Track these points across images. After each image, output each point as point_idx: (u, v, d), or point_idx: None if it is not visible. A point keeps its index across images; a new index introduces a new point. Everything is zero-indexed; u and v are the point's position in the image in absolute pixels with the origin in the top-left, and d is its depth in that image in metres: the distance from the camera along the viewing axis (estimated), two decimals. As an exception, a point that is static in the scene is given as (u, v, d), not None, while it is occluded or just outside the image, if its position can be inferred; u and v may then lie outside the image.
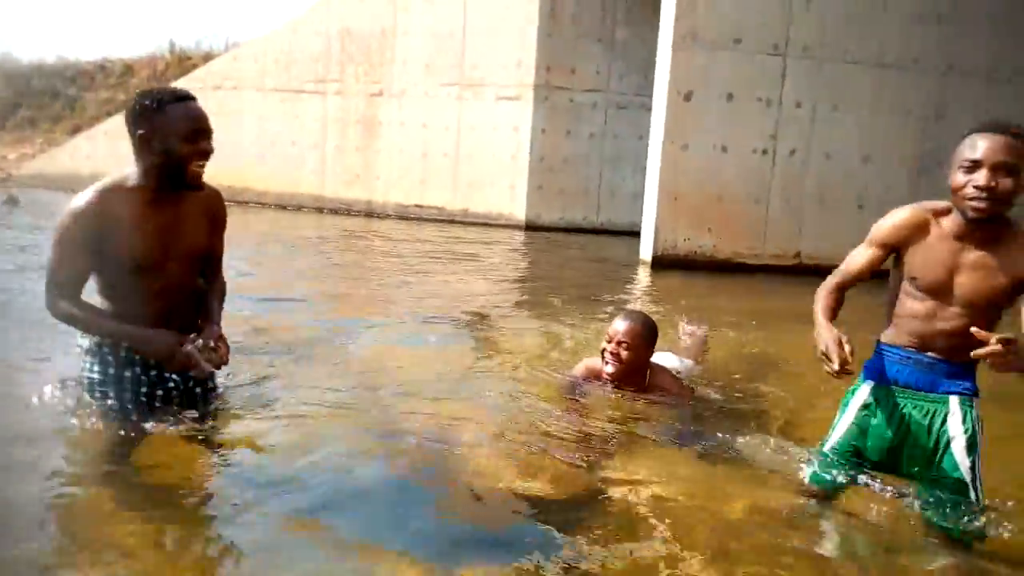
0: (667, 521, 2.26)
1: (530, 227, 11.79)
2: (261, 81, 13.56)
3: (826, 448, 2.46)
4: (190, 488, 2.26)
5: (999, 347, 1.95)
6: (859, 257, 2.37)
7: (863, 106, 8.32)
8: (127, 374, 2.53)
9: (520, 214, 11.95)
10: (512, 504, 2.31)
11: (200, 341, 2.40)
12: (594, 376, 3.36)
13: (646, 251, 8.30)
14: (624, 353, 3.19)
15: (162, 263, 2.43)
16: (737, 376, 3.96)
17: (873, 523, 2.31)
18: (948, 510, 2.27)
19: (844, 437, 2.42)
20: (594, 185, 12.18)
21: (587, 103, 11.94)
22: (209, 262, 2.66)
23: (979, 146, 2.10)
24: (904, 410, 2.32)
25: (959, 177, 2.12)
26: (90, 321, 2.40)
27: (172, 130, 2.30)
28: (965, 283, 2.19)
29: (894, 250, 2.31)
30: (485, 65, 11.98)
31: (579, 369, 3.46)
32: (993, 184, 2.06)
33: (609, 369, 3.22)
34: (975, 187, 2.08)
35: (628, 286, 7.33)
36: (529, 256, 9.44)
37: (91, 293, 2.47)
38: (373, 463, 2.57)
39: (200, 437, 2.51)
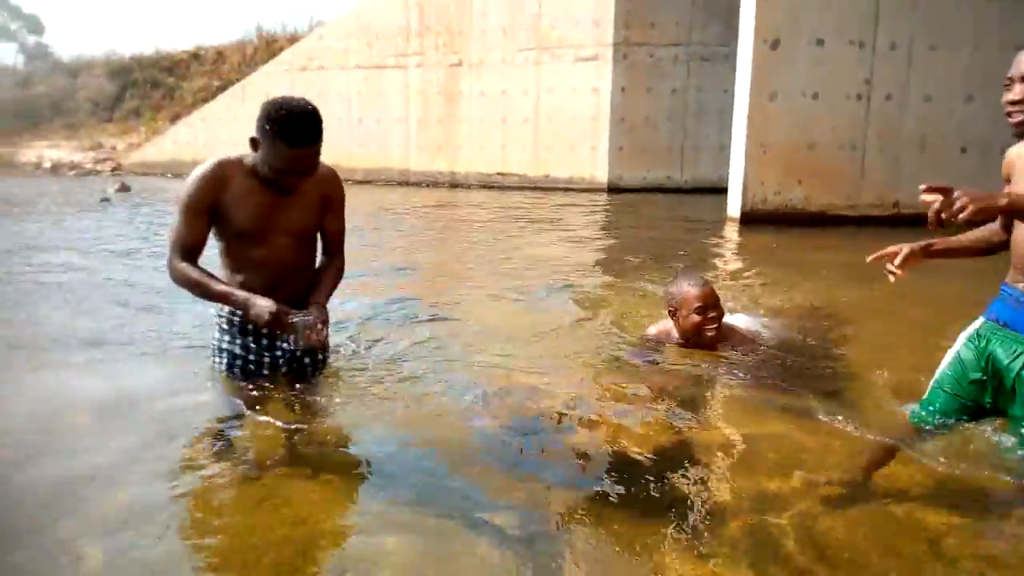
0: (753, 475, 2.30)
1: (612, 189, 11.73)
2: (345, 59, 13.89)
3: (932, 382, 2.43)
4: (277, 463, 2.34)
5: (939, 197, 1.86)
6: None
7: (965, 43, 7.83)
8: (239, 342, 2.71)
9: (602, 176, 11.89)
10: (605, 462, 2.39)
11: (299, 318, 2.49)
12: (662, 339, 3.38)
13: (734, 207, 8.13)
14: (720, 312, 3.19)
15: (264, 235, 2.56)
16: (826, 329, 3.90)
17: (951, 465, 2.28)
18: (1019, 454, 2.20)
19: (947, 370, 2.39)
20: (677, 143, 11.97)
21: (668, 57, 11.68)
22: (324, 240, 2.77)
23: (1014, 62, 2.11)
24: (992, 348, 2.26)
25: (1003, 97, 2.12)
26: (202, 284, 2.52)
27: (271, 161, 2.43)
28: None
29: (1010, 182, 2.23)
30: (562, 26, 11.87)
31: (651, 332, 3.48)
32: (1021, 97, 2.06)
33: (711, 334, 3.18)
34: (1007, 102, 2.09)
35: (717, 245, 7.23)
36: (614, 219, 9.41)
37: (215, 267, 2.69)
38: (467, 427, 2.66)
39: (299, 411, 2.62)
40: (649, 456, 2.40)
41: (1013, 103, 2.07)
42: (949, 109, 7.91)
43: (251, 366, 2.73)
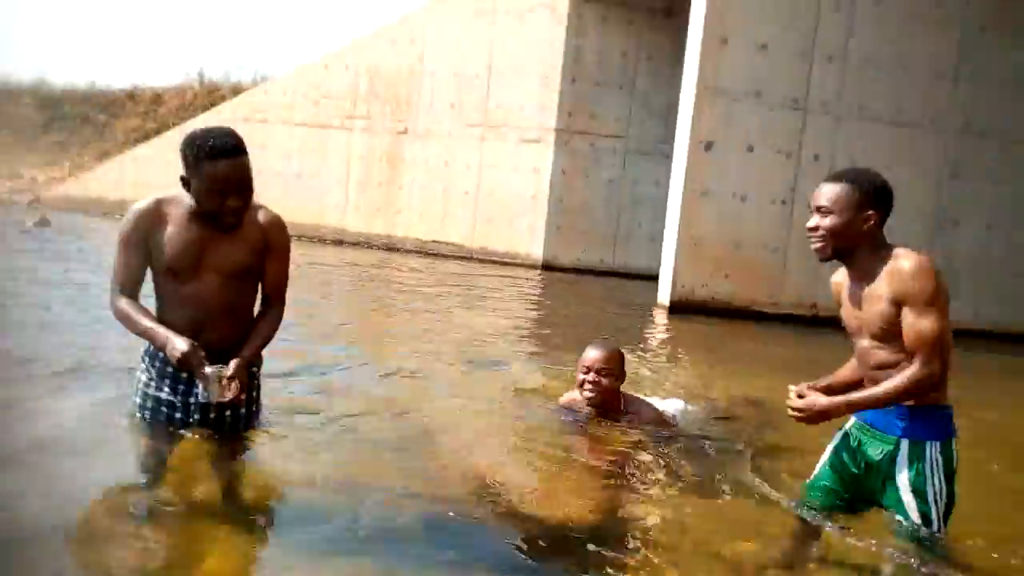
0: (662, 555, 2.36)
1: (547, 267, 11.97)
2: (290, 114, 13.92)
3: (810, 479, 2.63)
4: (198, 506, 2.31)
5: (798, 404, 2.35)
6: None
7: (880, 162, 8.50)
8: (155, 385, 2.67)
9: (538, 253, 12.14)
10: (516, 537, 2.40)
11: (212, 369, 2.44)
12: (573, 407, 3.53)
13: (664, 295, 8.43)
14: (604, 380, 3.35)
15: (193, 271, 2.54)
16: (739, 417, 4.07)
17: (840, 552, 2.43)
18: (905, 544, 2.36)
19: (822, 468, 2.59)
20: (611, 228, 12.38)
21: (607, 148, 12.21)
22: (263, 287, 2.73)
23: (813, 194, 2.44)
24: (864, 447, 2.46)
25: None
26: (130, 318, 2.53)
27: (204, 187, 2.44)
28: (863, 319, 2.40)
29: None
30: (508, 107, 12.29)
31: (562, 400, 3.63)
32: (814, 225, 2.40)
33: (589, 395, 3.36)
34: (806, 229, 2.43)
35: (647, 329, 7.45)
36: (547, 296, 9.59)
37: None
38: (387, 493, 2.61)
39: (217, 455, 2.60)
40: (578, 525, 2.43)
41: (810, 230, 2.41)
42: (863, 221, 8.51)
43: (167, 410, 2.67)
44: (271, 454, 2.76)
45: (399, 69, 13.07)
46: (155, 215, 2.53)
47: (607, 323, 7.65)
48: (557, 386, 4.23)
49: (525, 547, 2.31)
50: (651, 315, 8.20)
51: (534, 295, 9.48)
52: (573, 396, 3.55)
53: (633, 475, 2.99)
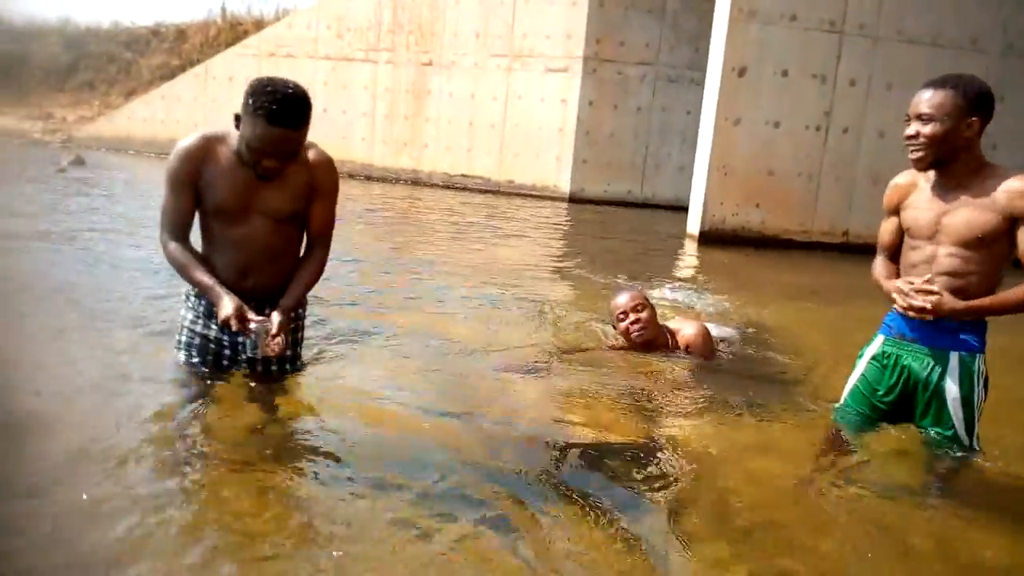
0: (703, 477, 2.47)
1: (574, 199, 11.94)
2: (314, 48, 13.80)
3: (842, 399, 2.70)
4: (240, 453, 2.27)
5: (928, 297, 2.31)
6: (885, 227, 2.62)
7: (918, 84, 8.27)
8: (202, 324, 2.64)
9: (565, 186, 12.09)
10: (555, 457, 2.50)
11: (257, 324, 2.44)
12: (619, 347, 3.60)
13: (694, 225, 8.41)
14: (644, 314, 3.45)
15: (242, 214, 2.49)
16: (773, 342, 4.14)
17: (875, 464, 2.54)
18: (943, 457, 2.48)
19: (855, 386, 2.64)
20: (640, 159, 12.26)
21: (635, 76, 11.98)
22: (308, 229, 2.65)
23: (913, 100, 2.44)
24: (905, 362, 2.50)
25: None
26: (186, 268, 2.50)
27: (250, 139, 2.37)
28: (949, 224, 2.39)
29: (899, 210, 2.56)
30: (535, 36, 12.06)
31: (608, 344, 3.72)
32: (914, 133, 2.38)
33: (638, 333, 3.44)
34: (904, 137, 2.42)
35: (677, 260, 7.48)
36: (575, 229, 9.61)
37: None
38: (431, 426, 2.66)
39: (260, 399, 2.59)
40: (625, 451, 2.55)
41: (908, 138, 2.41)
42: (901, 145, 8.33)
43: (215, 347, 2.66)
44: (316, 389, 2.78)
45: (423, -1, 12.83)
46: (202, 153, 2.47)
47: (637, 254, 7.68)
48: (587, 317, 4.32)
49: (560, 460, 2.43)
50: (681, 245, 8.21)
51: (562, 228, 9.50)
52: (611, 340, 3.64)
53: (671, 400, 3.09)
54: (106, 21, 20.68)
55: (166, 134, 13.93)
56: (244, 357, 2.62)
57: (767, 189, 8.28)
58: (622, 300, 3.51)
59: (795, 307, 5.23)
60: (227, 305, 2.42)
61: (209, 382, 2.63)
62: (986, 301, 2.33)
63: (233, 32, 17.75)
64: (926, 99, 2.39)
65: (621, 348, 3.58)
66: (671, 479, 2.35)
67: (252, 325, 2.43)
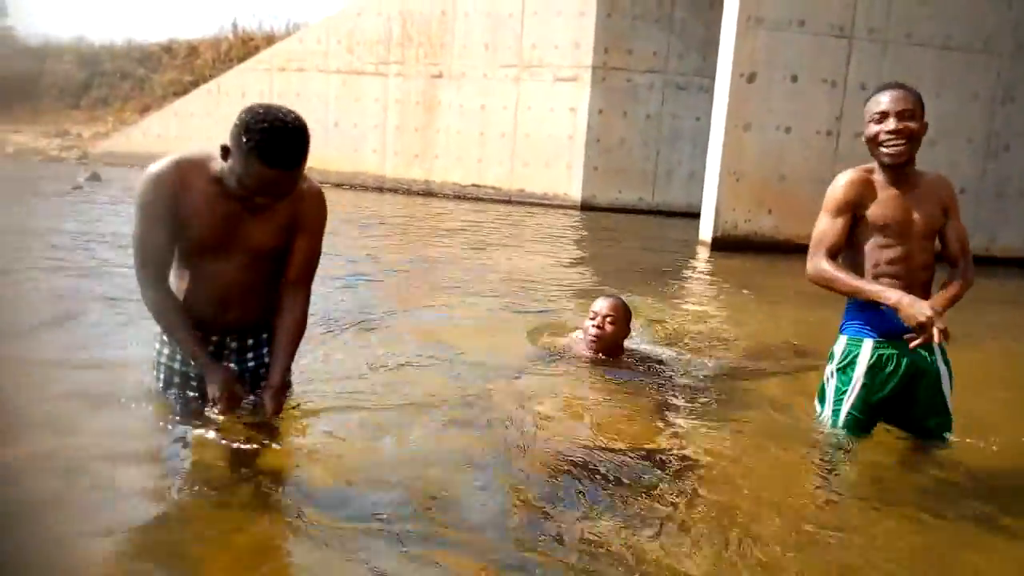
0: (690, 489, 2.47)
1: (585, 207, 11.96)
2: (325, 63, 13.92)
3: (843, 412, 2.66)
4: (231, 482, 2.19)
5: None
6: (834, 227, 2.58)
7: (930, 89, 8.26)
8: (180, 359, 2.44)
9: (576, 194, 12.12)
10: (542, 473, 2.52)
11: (250, 402, 2.34)
12: (574, 349, 3.66)
13: (706, 232, 8.41)
14: (608, 327, 3.50)
15: (222, 250, 2.28)
16: (780, 349, 4.13)
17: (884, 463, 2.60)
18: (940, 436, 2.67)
19: (859, 397, 2.63)
20: (650, 166, 12.27)
21: (644, 83, 12.00)
22: (290, 265, 2.41)
23: (882, 100, 2.51)
24: (908, 358, 2.55)
25: (872, 128, 2.52)
26: (167, 321, 2.29)
27: (242, 176, 2.13)
28: (918, 220, 2.52)
29: (855, 208, 2.57)
30: (543, 46, 12.12)
31: (562, 342, 3.78)
32: (901, 127, 2.46)
33: (592, 339, 3.51)
34: (887, 132, 2.48)
35: (689, 266, 7.47)
36: (588, 236, 9.62)
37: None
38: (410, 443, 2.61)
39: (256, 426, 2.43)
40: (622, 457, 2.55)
41: (893, 133, 2.47)
42: (911, 150, 8.32)
43: (197, 383, 2.42)
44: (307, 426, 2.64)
45: (432, 11, 12.93)
46: (177, 181, 2.20)
47: (648, 262, 7.68)
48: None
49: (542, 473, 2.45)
50: (693, 252, 8.20)
51: (573, 236, 9.52)
52: (576, 339, 3.70)
53: (629, 405, 3.10)
54: (119, 39, 21.02)
55: (181, 149, 14.07)
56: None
57: (779, 195, 8.27)
58: (602, 304, 3.57)
59: (812, 315, 5.21)
60: (216, 385, 2.25)
61: (193, 417, 2.42)
62: (950, 293, 2.51)
63: (244, 48, 17.96)
64: (901, 97, 2.49)
65: (576, 356, 3.61)
66: (671, 491, 2.36)
67: (245, 404, 2.34)
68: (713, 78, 8.58)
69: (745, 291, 5.99)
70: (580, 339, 3.65)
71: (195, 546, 1.90)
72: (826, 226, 2.59)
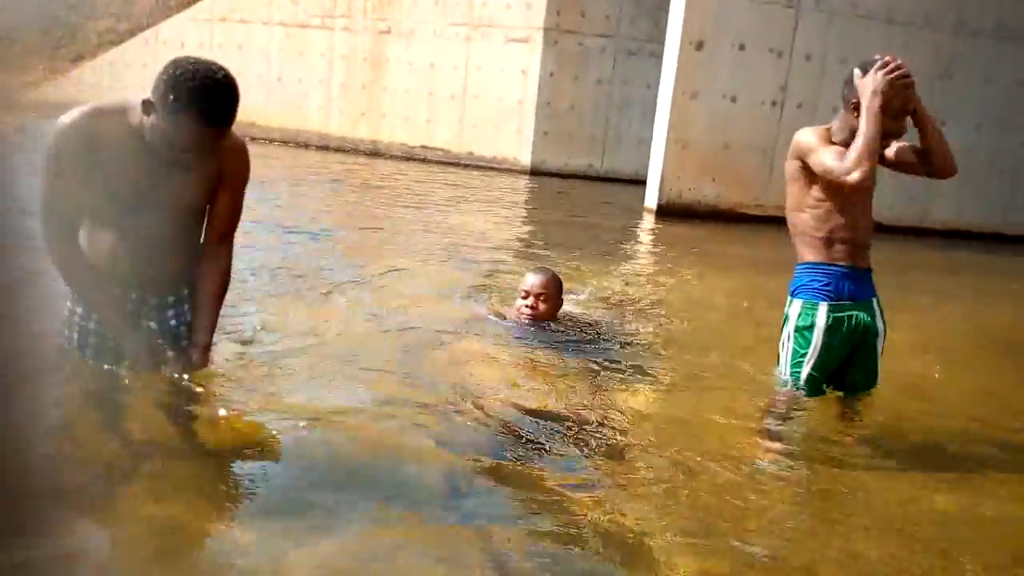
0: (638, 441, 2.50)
1: (535, 172, 11.88)
2: (268, 14, 13.42)
3: (804, 373, 2.75)
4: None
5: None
6: (832, 152, 2.60)
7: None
8: (95, 318, 2.33)
9: (525, 159, 12.02)
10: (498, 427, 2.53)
11: (174, 367, 2.27)
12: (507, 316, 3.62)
13: (651, 199, 8.45)
14: (542, 305, 3.45)
15: (142, 206, 2.19)
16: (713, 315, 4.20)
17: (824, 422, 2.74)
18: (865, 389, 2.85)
19: (819, 358, 2.71)
20: (600, 132, 12.23)
21: (596, 48, 11.90)
22: (210, 222, 2.35)
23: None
24: (858, 320, 2.69)
25: None
26: (79, 281, 2.21)
27: (171, 133, 2.04)
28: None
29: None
30: (495, 5, 11.89)
31: (496, 311, 3.72)
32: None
33: (525, 318, 3.46)
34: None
35: (633, 232, 7.51)
36: (535, 201, 9.58)
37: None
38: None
39: (187, 388, 2.36)
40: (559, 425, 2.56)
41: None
42: (852, 122, 8.46)
43: (107, 348, 2.34)
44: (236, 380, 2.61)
45: (381, -36, 12.55)
46: (89, 132, 2.08)
47: (594, 227, 7.69)
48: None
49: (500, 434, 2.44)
50: (638, 219, 8.24)
51: (521, 200, 9.47)
52: (508, 310, 3.67)
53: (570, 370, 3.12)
54: (50, -18, 19.86)
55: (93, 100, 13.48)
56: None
57: (723, 163, 8.34)
58: (533, 280, 3.51)
59: (742, 277, 5.29)
60: (136, 348, 2.22)
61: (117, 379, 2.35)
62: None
63: (185, -4, 17.17)
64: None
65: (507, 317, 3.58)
66: (624, 457, 2.37)
67: (168, 366, 2.28)
68: (663, 45, 8.55)
69: (687, 257, 6.06)
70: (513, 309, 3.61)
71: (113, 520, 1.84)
72: (830, 153, 2.60)
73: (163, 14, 15.94)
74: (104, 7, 18.50)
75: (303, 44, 13.29)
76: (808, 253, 2.70)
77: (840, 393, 2.84)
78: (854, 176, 2.48)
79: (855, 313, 2.68)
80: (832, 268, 2.65)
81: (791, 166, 2.70)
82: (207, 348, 2.35)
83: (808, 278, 2.70)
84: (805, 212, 2.67)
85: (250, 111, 14.15)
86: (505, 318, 3.62)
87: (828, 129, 2.67)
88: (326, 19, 13.08)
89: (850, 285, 2.64)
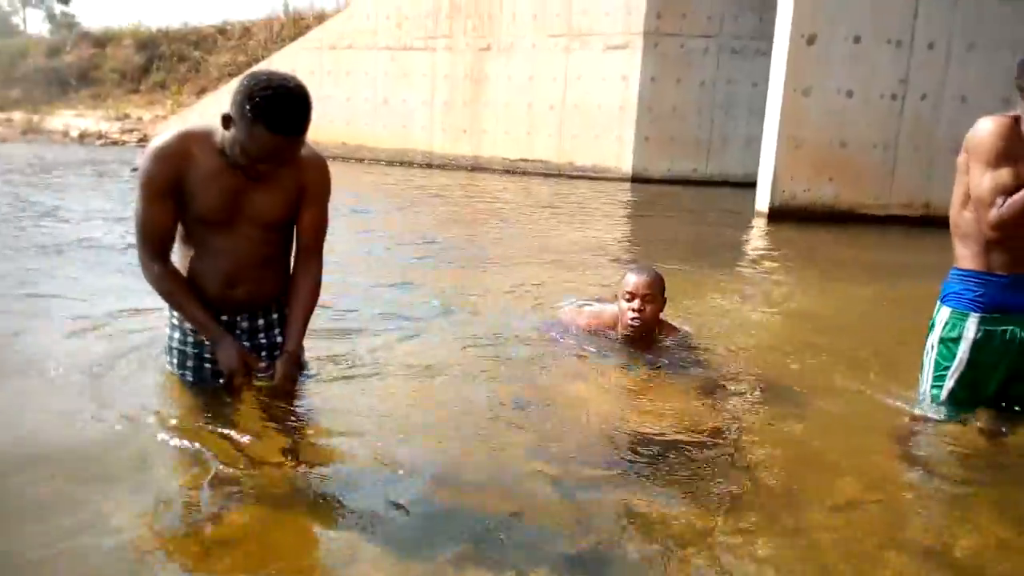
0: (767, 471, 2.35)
1: (637, 179, 11.71)
2: (373, 39, 13.89)
3: (946, 388, 2.49)
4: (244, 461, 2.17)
5: None
6: (1005, 172, 2.26)
7: (1003, 44, 7.75)
8: (192, 341, 2.44)
9: (627, 167, 11.86)
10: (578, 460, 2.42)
11: (264, 374, 2.32)
12: (601, 327, 3.35)
13: (763, 202, 8.13)
14: (648, 307, 3.15)
15: (229, 222, 2.26)
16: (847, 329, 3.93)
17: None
18: None
19: (964, 375, 2.45)
20: (705, 135, 11.92)
21: (698, 49, 11.62)
22: (299, 237, 2.41)
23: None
24: (1013, 334, 2.37)
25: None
26: (174, 298, 2.30)
27: (244, 145, 2.08)
28: None
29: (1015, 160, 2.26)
30: (594, 13, 11.82)
31: (581, 319, 3.44)
32: None
33: (633, 324, 3.15)
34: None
35: (745, 240, 7.23)
36: (638, 209, 9.42)
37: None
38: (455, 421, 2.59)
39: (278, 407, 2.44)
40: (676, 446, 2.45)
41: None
42: (985, 111, 7.84)
43: (206, 369, 2.44)
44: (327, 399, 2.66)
45: (479, -18, 12.74)
46: (182, 155, 2.17)
47: (703, 235, 7.46)
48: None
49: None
50: (749, 224, 7.94)
51: (623, 209, 9.32)
52: (598, 313, 3.42)
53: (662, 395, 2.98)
54: (175, 22, 21.38)
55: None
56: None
57: (840, 162, 7.92)
58: (638, 279, 3.18)
59: (870, 290, 4.97)
60: (229, 355, 2.27)
61: (212, 400, 2.44)
62: None
63: (296, 27, 18.07)
64: None
65: (600, 331, 3.35)
66: (729, 473, 2.25)
67: (260, 375, 2.32)
68: (770, 40, 8.23)
69: (805, 264, 5.76)
70: (611, 311, 3.34)
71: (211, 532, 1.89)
72: (996, 176, 2.27)
73: (277, 46, 16.82)
74: (224, 43, 19.72)
75: (407, 66, 13.66)
76: (966, 258, 2.40)
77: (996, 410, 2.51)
78: (993, 229, 2.26)
79: (1012, 328, 2.38)
80: (990, 277, 2.36)
81: (961, 158, 2.40)
82: (295, 357, 2.38)
83: (961, 286, 2.42)
84: (969, 211, 2.37)
85: (359, 133, 14.70)
86: (603, 321, 3.37)
87: (1015, 120, 2.30)
88: (428, 40, 13.39)
89: (1009, 296, 2.34)
